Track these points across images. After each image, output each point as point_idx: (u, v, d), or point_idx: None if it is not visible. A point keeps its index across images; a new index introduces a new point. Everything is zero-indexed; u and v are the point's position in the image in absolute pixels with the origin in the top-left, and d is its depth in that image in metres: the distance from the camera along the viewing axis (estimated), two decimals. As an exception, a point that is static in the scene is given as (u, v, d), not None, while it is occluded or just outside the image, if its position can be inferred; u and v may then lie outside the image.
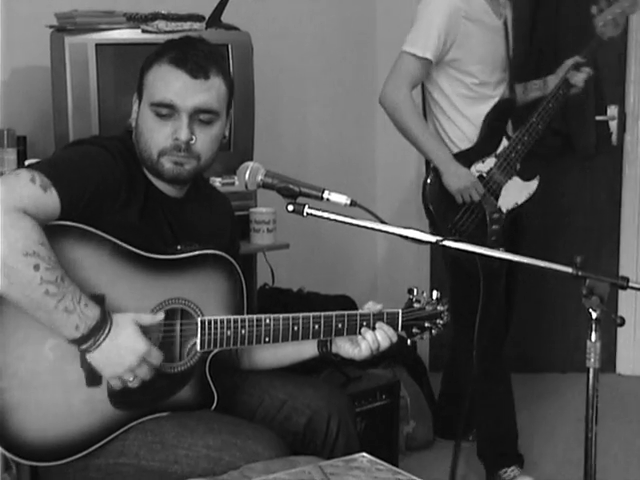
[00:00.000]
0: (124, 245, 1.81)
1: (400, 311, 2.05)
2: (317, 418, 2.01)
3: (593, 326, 1.74)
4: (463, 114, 2.98)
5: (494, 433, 3.11)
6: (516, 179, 3.00)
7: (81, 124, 2.70)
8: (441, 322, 2.09)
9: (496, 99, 2.99)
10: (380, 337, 2.00)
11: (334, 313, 1.98)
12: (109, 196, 1.83)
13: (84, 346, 1.74)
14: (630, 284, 1.76)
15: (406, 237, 1.83)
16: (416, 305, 2.07)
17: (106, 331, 1.74)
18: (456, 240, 1.82)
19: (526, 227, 3.16)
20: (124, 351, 1.75)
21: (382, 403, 2.96)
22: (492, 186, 2.96)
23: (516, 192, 3.02)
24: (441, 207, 2.99)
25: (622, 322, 1.73)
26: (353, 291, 3.53)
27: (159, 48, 1.96)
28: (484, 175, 2.97)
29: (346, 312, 1.99)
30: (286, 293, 3.36)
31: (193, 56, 1.91)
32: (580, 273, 1.75)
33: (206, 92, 1.91)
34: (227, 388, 2.02)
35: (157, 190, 1.96)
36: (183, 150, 1.91)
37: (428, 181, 3.00)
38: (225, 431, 1.85)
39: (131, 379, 1.78)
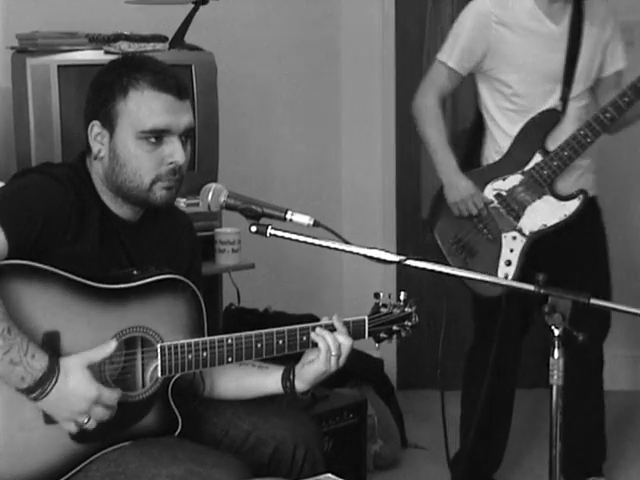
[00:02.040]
0: (77, 279, 1.78)
1: (366, 317, 2.04)
2: (282, 448, 1.98)
3: (555, 343, 1.76)
4: (501, 127, 2.84)
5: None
6: (548, 198, 2.80)
7: (43, 145, 2.68)
8: (409, 324, 2.08)
9: (534, 112, 2.79)
10: (340, 337, 1.96)
11: (298, 327, 1.96)
12: (59, 228, 1.80)
13: (32, 396, 1.71)
14: (592, 301, 1.77)
15: (370, 257, 1.84)
16: (383, 310, 2.06)
17: (53, 381, 1.71)
18: (418, 259, 1.82)
19: (557, 254, 2.86)
20: (74, 398, 1.72)
21: (349, 422, 2.95)
22: (512, 205, 2.81)
23: (546, 213, 2.80)
24: (444, 219, 2.91)
25: (584, 339, 1.74)
26: (320, 310, 3.51)
27: (119, 74, 1.88)
28: (502, 193, 2.82)
29: (310, 324, 1.97)
30: (252, 313, 3.35)
31: (172, 77, 1.89)
32: (542, 291, 1.76)
33: (190, 111, 1.91)
34: (191, 414, 2.00)
35: (113, 215, 1.94)
36: (177, 173, 1.89)
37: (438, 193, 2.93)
38: (189, 459, 1.82)
39: (85, 422, 1.75)
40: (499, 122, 2.86)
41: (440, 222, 2.97)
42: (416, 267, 1.81)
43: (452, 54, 2.83)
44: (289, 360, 2.01)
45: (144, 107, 1.86)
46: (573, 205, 2.80)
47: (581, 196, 2.81)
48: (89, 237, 1.85)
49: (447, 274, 1.82)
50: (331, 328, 1.98)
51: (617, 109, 2.71)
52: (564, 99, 2.80)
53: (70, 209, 1.82)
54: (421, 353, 4.10)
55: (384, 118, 4.08)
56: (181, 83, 1.90)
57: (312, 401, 2.92)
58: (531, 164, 2.81)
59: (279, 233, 1.84)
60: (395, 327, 2.07)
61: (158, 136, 1.87)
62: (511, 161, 2.84)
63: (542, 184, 2.79)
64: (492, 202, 2.85)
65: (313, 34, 4.00)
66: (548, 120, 2.80)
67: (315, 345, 1.96)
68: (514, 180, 2.82)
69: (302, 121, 3.99)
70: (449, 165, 2.87)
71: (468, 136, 3.03)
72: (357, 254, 1.84)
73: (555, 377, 1.76)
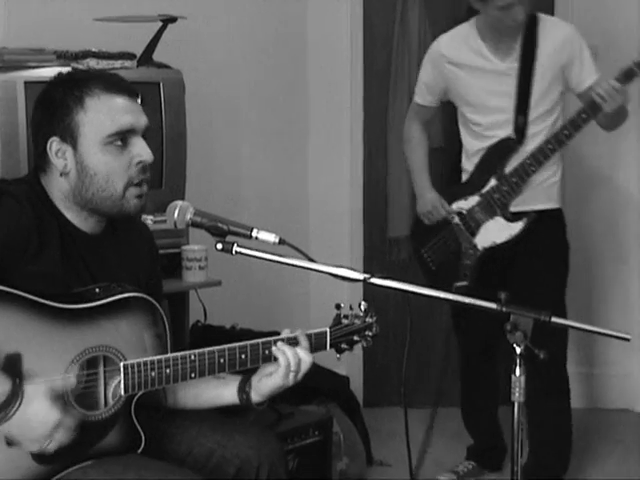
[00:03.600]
0: (37, 299, 1.77)
1: (328, 329, 2.05)
2: (246, 467, 1.98)
3: (517, 361, 1.78)
4: (466, 149, 3.16)
5: None
6: (498, 219, 3.05)
7: (10, 162, 2.67)
8: (370, 334, 2.09)
9: (493, 139, 3.05)
10: (301, 353, 1.97)
11: (260, 341, 1.96)
12: (19, 247, 1.79)
13: None
14: (553, 319, 1.80)
15: (335, 275, 1.86)
16: (344, 321, 2.07)
17: (16, 405, 1.70)
18: (383, 278, 1.84)
19: (507, 269, 3.10)
20: (35, 423, 1.71)
21: (315, 440, 2.95)
22: (470, 223, 3.09)
23: (496, 232, 3.06)
24: (420, 233, 3.25)
25: (545, 357, 1.77)
26: (287, 327, 3.50)
27: (69, 87, 1.88)
28: (463, 212, 3.11)
29: (271, 338, 1.98)
30: (219, 330, 3.34)
31: (121, 80, 1.92)
32: (504, 309, 1.79)
33: (143, 110, 1.93)
34: (155, 432, 1.99)
35: (74, 228, 1.93)
36: (147, 171, 1.91)
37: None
38: (153, 478, 1.81)
39: (46, 445, 1.74)
40: (466, 146, 3.16)
41: (420, 237, 3.28)
42: (380, 285, 1.83)
43: (418, 92, 3.24)
44: (248, 370, 2.01)
45: (104, 112, 1.87)
46: (518, 226, 3.05)
47: (525, 219, 3.04)
48: (50, 254, 1.85)
49: (411, 292, 1.84)
50: (292, 342, 1.99)
51: (558, 141, 2.94)
52: (518, 129, 3.02)
53: (29, 227, 1.81)
54: (387, 370, 4.12)
55: (352, 137, 4.10)
56: (130, 84, 1.93)
57: (277, 418, 2.93)
58: (487, 187, 3.08)
59: (245, 251, 1.86)
60: (356, 337, 2.07)
61: (123, 137, 1.88)
62: (473, 183, 3.13)
63: (493, 206, 3.06)
64: (454, 218, 3.13)
65: (281, 53, 4.02)
66: (504, 148, 3.05)
67: (276, 359, 1.97)
68: (472, 201, 3.10)
69: (270, 139, 4.01)
70: (421, 181, 3.24)
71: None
72: (322, 272, 1.85)
73: (517, 394, 1.79)
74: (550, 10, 3.87)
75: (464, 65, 3.06)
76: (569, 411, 3.24)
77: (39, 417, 1.72)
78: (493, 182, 3.05)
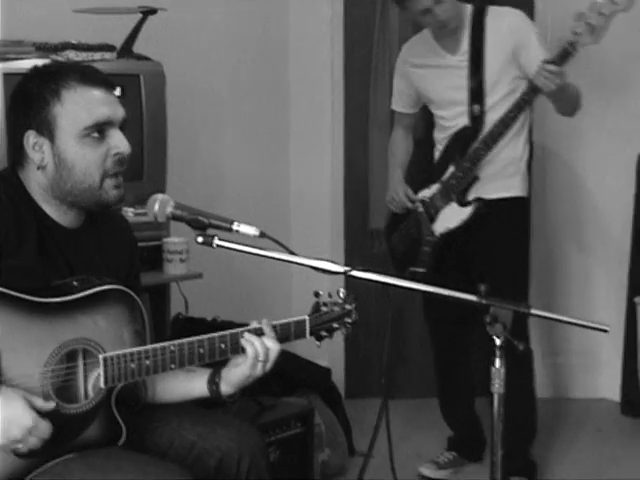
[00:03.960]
0: (14, 294, 1.76)
1: (307, 317, 2.05)
2: (227, 459, 1.98)
3: (497, 353, 1.80)
4: (436, 141, 3.27)
5: None
6: (453, 205, 3.12)
7: (-12, 154, 2.66)
8: (350, 320, 2.09)
9: (454, 129, 3.15)
10: (268, 342, 1.97)
11: (240, 329, 1.97)
12: None
13: None
14: (532, 311, 1.82)
15: (315, 268, 1.86)
16: (324, 308, 2.08)
17: None
18: (364, 270, 1.85)
19: (462, 254, 3.19)
20: (9, 424, 1.71)
21: (296, 431, 2.96)
22: (431, 210, 3.17)
23: (450, 217, 3.13)
24: (392, 224, 3.35)
25: (525, 349, 1.78)
26: (269, 318, 3.53)
27: (44, 81, 1.87)
28: (426, 200, 3.19)
29: (252, 326, 1.98)
30: (200, 322, 3.34)
31: (97, 72, 1.92)
32: (484, 301, 1.80)
33: (120, 102, 1.93)
34: (136, 424, 1.99)
35: (52, 223, 1.93)
36: (124, 163, 1.90)
37: None
38: (134, 469, 1.82)
39: (19, 447, 1.74)
40: (435, 138, 3.29)
41: (391, 228, 3.38)
42: (361, 278, 1.84)
43: (395, 101, 3.40)
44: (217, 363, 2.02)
45: (81, 104, 1.87)
46: (468, 211, 3.11)
47: (475, 203, 3.11)
48: (28, 248, 1.84)
49: (391, 285, 1.85)
50: (259, 332, 1.99)
51: (504, 124, 3.00)
52: (474, 117, 3.11)
53: (6, 222, 1.81)
54: (369, 361, 4.14)
55: (333, 131, 4.11)
56: (106, 76, 1.93)
57: (259, 410, 2.94)
58: (447, 175, 3.15)
59: (225, 244, 1.86)
60: (335, 325, 2.08)
61: (100, 130, 1.88)
62: (436, 172, 3.21)
63: (449, 192, 3.13)
64: (418, 207, 3.21)
65: (263, 45, 4.02)
66: (462, 136, 3.13)
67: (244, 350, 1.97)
68: (434, 189, 3.18)
69: (251, 132, 4.01)
70: (392, 176, 3.37)
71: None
72: (302, 265, 1.86)
73: (497, 386, 1.81)
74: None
75: (424, 65, 3.20)
76: (533, 395, 3.29)
77: (14, 418, 1.71)
78: (451, 169, 3.12)
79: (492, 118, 3.06)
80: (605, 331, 1.83)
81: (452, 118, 3.16)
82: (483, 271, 3.10)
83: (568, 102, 3.11)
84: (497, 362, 1.80)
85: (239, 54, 3.91)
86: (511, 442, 3.12)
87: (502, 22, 3.08)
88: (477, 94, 3.11)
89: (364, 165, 4.11)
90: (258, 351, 1.96)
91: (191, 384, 2.05)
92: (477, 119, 3.11)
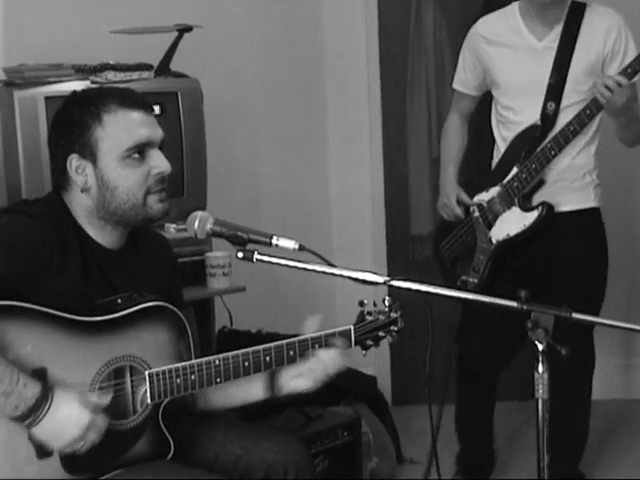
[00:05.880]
0: (60, 314, 1.80)
1: (352, 327, 2.06)
2: (273, 473, 2.01)
3: (540, 358, 1.79)
4: (496, 138, 3.02)
5: None
6: (515, 209, 2.90)
7: (33, 177, 2.70)
8: (395, 329, 2.11)
9: (522, 126, 2.88)
10: (327, 357, 2.00)
11: (284, 342, 1.98)
12: (42, 266, 1.83)
13: (26, 422, 1.74)
14: (574, 315, 1.80)
15: (355, 279, 1.87)
16: (369, 317, 2.09)
17: (46, 407, 1.73)
18: (404, 280, 1.85)
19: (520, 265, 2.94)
20: (66, 425, 1.75)
21: (344, 440, 2.97)
22: (488, 215, 2.95)
23: (511, 223, 2.90)
24: (442, 230, 3.15)
25: (567, 353, 1.77)
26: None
27: (85, 105, 1.92)
28: (483, 204, 2.97)
29: (296, 338, 2.00)
30: (245, 335, 3.37)
31: (135, 94, 1.96)
32: (525, 307, 1.79)
33: (158, 123, 1.97)
34: (182, 439, 2.02)
35: (95, 245, 1.96)
36: (165, 181, 1.95)
37: None
38: None
39: (79, 446, 1.78)
40: (495, 135, 3.03)
41: (441, 234, 3.19)
42: (400, 287, 1.84)
43: (457, 79, 3.11)
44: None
45: (122, 126, 1.91)
46: (532, 216, 2.87)
47: (540, 207, 2.87)
48: (71, 271, 1.88)
49: (430, 293, 1.85)
50: (322, 343, 2.01)
51: (580, 122, 2.79)
52: (546, 115, 2.85)
53: (51, 246, 1.85)
54: (415, 368, 4.12)
55: (371, 137, 4.11)
56: (144, 98, 1.97)
57: (306, 421, 2.95)
58: (509, 177, 2.92)
59: (265, 258, 1.88)
60: (381, 333, 2.09)
61: (140, 151, 1.92)
62: (497, 174, 2.99)
63: (512, 195, 2.91)
64: (474, 211, 3.00)
65: (297, 55, 4.04)
66: (529, 136, 2.88)
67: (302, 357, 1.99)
68: (493, 192, 2.96)
69: (289, 143, 4.02)
70: (445, 175, 3.11)
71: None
72: (342, 277, 1.87)
73: (540, 391, 1.79)
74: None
75: (500, 43, 2.91)
76: (589, 403, 3.10)
77: (70, 418, 1.75)
78: (515, 171, 2.89)
79: (564, 121, 2.81)
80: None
81: (520, 111, 2.89)
82: (558, 288, 2.88)
83: (634, 131, 2.89)
84: (540, 367, 1.78)
85: (274, 65, 3.93)
86: (558, 454, 3.00)
87: (602, 21, 2.84)
88: (555, 90, 2.83)
89: (404, 171, 4.10)
90: (330, 370, 2.01)
91: (248, 389, 2.08)
92: (549, 118, 2.84)
